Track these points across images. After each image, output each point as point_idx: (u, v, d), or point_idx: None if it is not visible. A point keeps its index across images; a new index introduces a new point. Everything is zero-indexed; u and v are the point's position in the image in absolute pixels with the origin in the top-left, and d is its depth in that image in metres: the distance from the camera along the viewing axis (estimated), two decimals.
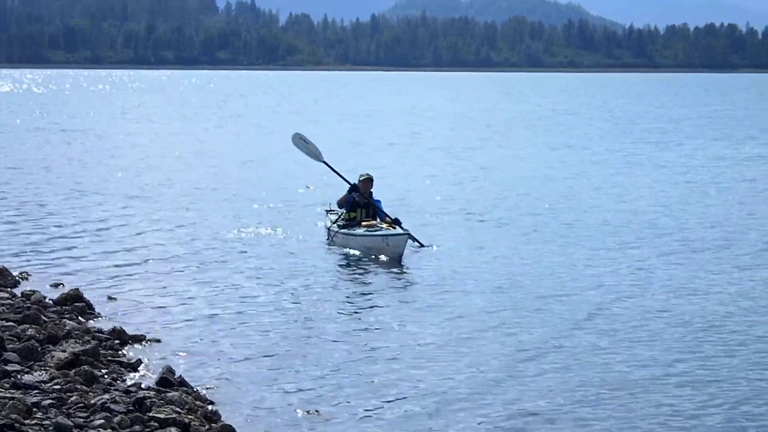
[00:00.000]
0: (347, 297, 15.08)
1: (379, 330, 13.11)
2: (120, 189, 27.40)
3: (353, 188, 19.48)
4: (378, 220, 18.99)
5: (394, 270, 16.82)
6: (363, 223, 18.66)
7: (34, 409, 8.94)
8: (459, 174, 32.01)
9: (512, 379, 11.17)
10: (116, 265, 17.11)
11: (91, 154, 38.01)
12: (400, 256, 17.36)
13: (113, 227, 21.16)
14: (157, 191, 27.03)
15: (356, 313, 14.07)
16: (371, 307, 14.42)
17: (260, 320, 13.59)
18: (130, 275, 16.36)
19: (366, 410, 10.15)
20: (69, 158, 36.37)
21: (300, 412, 10.03)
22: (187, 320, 13.58)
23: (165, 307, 14.29)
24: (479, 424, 9.85)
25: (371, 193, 19.61)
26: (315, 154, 21.15)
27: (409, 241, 17.94)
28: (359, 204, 19.39)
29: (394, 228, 18.10)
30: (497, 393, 10.68)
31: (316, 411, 10.06)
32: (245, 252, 18.52)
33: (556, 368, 11.49)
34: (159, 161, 35.45)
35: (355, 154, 38.41)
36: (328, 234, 19.37)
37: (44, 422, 8.70)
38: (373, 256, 17.65)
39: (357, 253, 18.03)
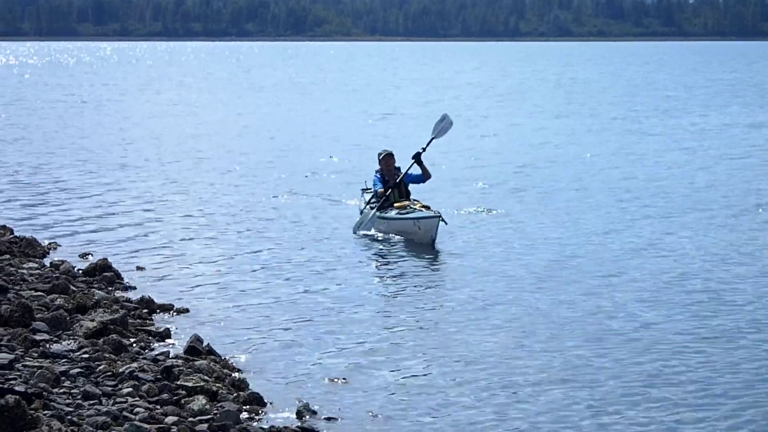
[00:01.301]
0: (377, 274, 14.95)
1: (409, 305, 13.02)
2: (148, 160, 27.48)
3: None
4: (411, 200, 17.91)
5: (426, 251, 16.40)
6: (396, 205, 17.68)
7: (63, 378, 9.00)
8: (465, 142, 31.81)
9: (523, 346, 11.18)
10: (145, 236, 17.19)
11: (118, 126, 38.06)
12: (433, 238, 16.68)
13: (141, 198, 21.22)
14: (185, 162, 27.07)
15: (386, 289, 14.01)
16: (401, 283, 14.33)
17: (289, 291, 13.59)
18: (158, 245, 16.42)
19: (394, 380, 10.12)
20: (98, 130, 36.46)
21: (327, 381, 10.02)
22: (215, 290, 13.63)
23: (193, 276, 14.34)
24: (510, 391, 9.83)
25: (398, 168, 18.48)
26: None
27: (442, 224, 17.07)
28: (389, 184, 18.19)
29: (428, 209, 17.29)
30: (523, 358, 10.66)
31: (344, 380, 10.06)
32: (275, 225, 18.49)
33: (594, 349, 11.13)
34: (186, 132, 35.46)
35: (364, 124, 38.60)
36: (361, 215, 18.48)
37: (72, 390, 8.76)
38: (406, 239, 17.06)
39: (390, 235, 17.37)
